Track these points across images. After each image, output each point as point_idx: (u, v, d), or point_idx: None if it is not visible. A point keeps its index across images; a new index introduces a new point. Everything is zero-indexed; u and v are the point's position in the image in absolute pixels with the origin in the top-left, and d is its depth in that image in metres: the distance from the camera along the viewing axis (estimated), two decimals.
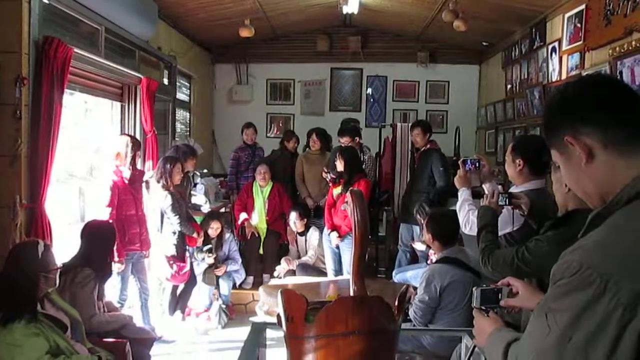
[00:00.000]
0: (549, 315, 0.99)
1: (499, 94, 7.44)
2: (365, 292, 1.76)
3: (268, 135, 8.55)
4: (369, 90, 8.66)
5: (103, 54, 4.54)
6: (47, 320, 2.41)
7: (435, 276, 3.11)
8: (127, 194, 4.25)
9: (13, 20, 3.34)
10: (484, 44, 7.88)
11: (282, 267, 5.44)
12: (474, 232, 2.88)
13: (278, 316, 1.87)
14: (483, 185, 3.08)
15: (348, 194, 1.69)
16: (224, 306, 5.17)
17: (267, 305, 4.01)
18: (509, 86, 7.08)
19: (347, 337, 1.67)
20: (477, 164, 3.05)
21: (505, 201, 2.53)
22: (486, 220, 2.45)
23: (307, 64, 8.58)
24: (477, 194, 3.18)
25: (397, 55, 8.45)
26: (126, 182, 4.26)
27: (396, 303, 1.78)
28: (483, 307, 1.75)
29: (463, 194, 2.97)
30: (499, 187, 3.15)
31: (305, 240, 5.62)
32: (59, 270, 2.51)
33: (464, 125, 8.10)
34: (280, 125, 8.75)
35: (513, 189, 2.87)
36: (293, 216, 5.53)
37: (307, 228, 5.61)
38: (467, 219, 2.84)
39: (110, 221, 3.95)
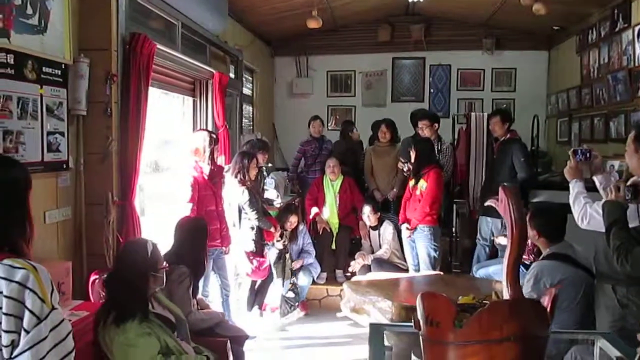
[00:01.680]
0: None
1: (572, 80, 7.09)
2: (521, 296, 1.62)
3: (329, 128, 8.44)
4: (430, 80, 8.45)
5: (180, 49, 4.52)
6: (157, 319, 2.38)
7: (544, 273, 2.92)
8: (207, 190, 4.22)
9: (103, 18, 3.33)
10: (555, 28, 7.53)
11: (358, 262, 5.34)
12: (593, 227, 2.69)
13: (415, 319, 1.76)
14: (594, 177, 2.87)
15: (501, 191, 1.55)
16: (290, 294, 5.07)
17: (352, 302, 3.91)
18: (584, 72, 6.73)
19: (502, 343, 1.54)
20: (588, 155, 2.85)
21: (630, 195, 2.34)
22: (615, 215, 2.27)
23: (368, 55, 8.44)
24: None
25: (461, 42, 8.20)
26: (206, 177, 4.22)
27: (548, 307, 1.64)
28: None
29: (575, 186, 2.77)
30: (612, 179, 2.94)
31: (379, 235, 5.49)
32: (165, 270, 2.47)
33: (532, 113, 7.77)
34: (338, 117, 8.63)
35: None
36: (367, 210, 5.42)
37: (380, 222, 5.48)
38: (585, 213, 2.64)
39: (198, 217, 3.92)
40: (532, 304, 1.60)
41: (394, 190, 5.93)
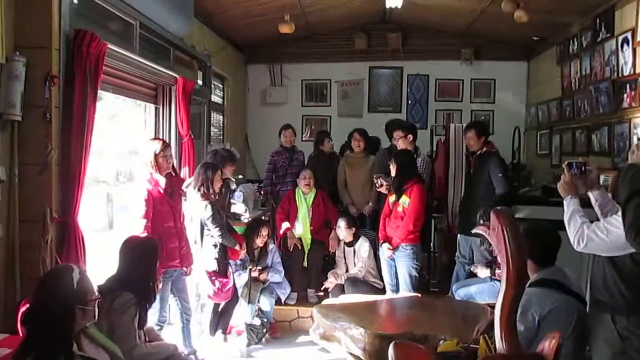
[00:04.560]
0: None
1: (552, 92, 6.92)
2: (518, 349, 1.31)
3: (303, 138, 8.12)
4: (408, 90, 8.22)
5: (138, 51, 4.17)
6: None
7: (533, 302, 2.61)
8: (163, 205, 3.84)
9: (42, 12, 2.98)
10: (535, 38, 7.37)
11: (330, 281, 5.02)
12: (591, 250, 2.39)
13: None
14: (589, 193, 2.59)
15: (492, 214, 1.25)
16: (256, 321, 4.72)
17: (322, 328, 3.57)
18: (565, 83, 6.56)
19: None
20: (583, 168, 2.57)
21: None
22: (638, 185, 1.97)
23: (344, 64, 8.20)
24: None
25: (440, 52, 8.01)
26: (161, 191, 3.84)
27: (552, 356, 1.34)
28: None
29: (571, 203, 2.46)
30: (609, 194, 2.68)
31: (354, 252, 5.16)
32: (97, 301, 2.11)
33: (511, 125, 7.59)
34: (313, 127, 8.33)
35: None
36: (342, 224, 5.10)
37: (355, 238, 5.16)
38: (582, 234, 2.32)
39: (145, 234, 3.55)
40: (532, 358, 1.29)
41: (370, 204, 5.61)
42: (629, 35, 4.89)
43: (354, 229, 5.16)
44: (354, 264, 5.15)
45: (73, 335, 2.00)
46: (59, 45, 3.05)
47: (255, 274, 4.70)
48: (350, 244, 5.21)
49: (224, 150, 4.92)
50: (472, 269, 4.54)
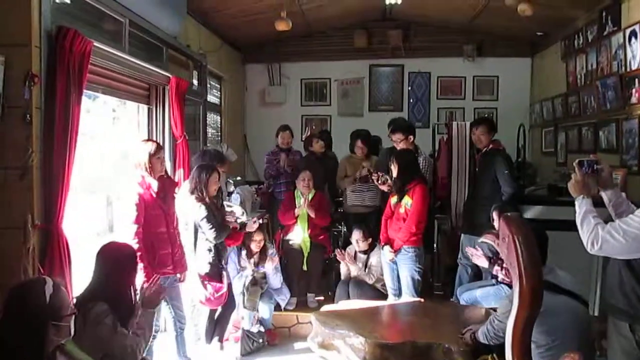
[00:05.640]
0: None
1: (557, 88, 6.75)
2: None
3: (302, 139, 7.96)
4: (409, 88, 8.05)
5: (127, 50, 4.02)
6: None
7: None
8: (155, 209, 3.66)
9: (21, 8, 2.82)
10: (539, 34, 7.21)
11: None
12: (606, 252, 2.23)
13: None
14: (602, 193, 2.43)
15: (502, 221, 1.09)
16: (254, 329, 4.58)
17: (320, 336, 3.42)
18: (571, 79, 6.40)
19: None
20: (594, 166, 2.40)
21: None
22: None
23: (344, 62, 8.05)
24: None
25: (441, 49, 7.86)
26: (154, 195, 3.67)
27: None
28: None
29: (583, 203, 2.29)
30: (623, 194, 2.51)
31: (367, 259, 4.96)
32: (73, 316, 1.95)
33: (515, 123, 7.41)
34: (314, 127, 8.15)
35: None
36: (356, 235, 4.92)
37: (371, 247, 4.98)
38: (596, 236, 2.15)
39: (136, 240, 3.41)
40: None
41: (363, 164, 5.43)
42: (636, 28, 4.73)
43: (370, 239, 4.97)
44: (364, 270, 4.97)
45: (46, 354, 1.85)
46: (40, 43, 2.90)
47: (255, 225, 4.62)
48: (365, 252, 5.02)
49: (214, 151, 4.76)
50: (471, 257, 4.33)
